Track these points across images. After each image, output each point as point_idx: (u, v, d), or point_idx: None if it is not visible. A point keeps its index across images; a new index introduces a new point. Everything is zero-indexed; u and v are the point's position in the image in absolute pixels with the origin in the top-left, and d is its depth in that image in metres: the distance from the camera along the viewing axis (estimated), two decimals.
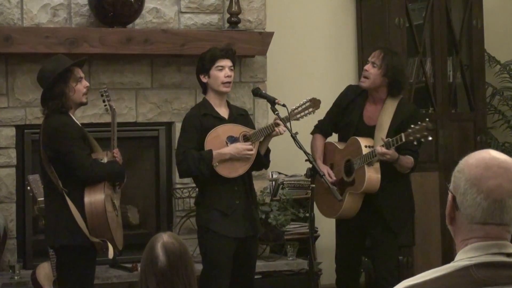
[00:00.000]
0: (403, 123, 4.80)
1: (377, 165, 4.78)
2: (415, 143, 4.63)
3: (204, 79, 4.71)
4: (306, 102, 4.72)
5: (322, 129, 5.08)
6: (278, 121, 4.62)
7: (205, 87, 4.77)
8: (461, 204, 1.86)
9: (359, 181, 4.79)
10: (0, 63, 5.64)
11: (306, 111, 4.72)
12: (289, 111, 4.66)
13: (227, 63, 4.70)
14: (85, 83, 4.53)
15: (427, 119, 4.67)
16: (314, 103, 4.73)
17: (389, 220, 4.85)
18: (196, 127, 4.66)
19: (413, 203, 5.08)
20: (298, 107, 4.71)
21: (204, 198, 4.72)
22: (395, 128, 4.78)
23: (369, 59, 4.91)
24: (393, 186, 4.86)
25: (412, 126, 4.61)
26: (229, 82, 4.71)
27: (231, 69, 4.72)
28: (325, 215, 5.08)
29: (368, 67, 4.89)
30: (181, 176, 4.87)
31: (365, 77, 4.88)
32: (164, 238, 2.67)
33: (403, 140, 4.61)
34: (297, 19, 6.74)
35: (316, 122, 5.12)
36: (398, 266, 5.81)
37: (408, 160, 4.80)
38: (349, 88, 5.11)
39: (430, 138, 4.60)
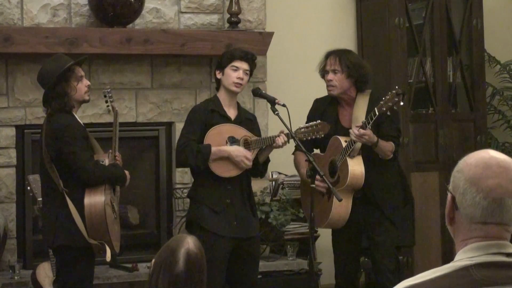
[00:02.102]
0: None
1: (360, 158, 4.77)
2: (388, 113, 4.63)
3: (219, 75, 4.75)
4: (315, 124, 4.70)
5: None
6: (282, 134, 4.63)
7: (218, 84, 4.79)
8: (461, 204, 1.86)
9: (343, 175, 4.77)
10: (0, 63, 5.64)
11: (312, 135, 4.68)
12: (297, 129, 4.65)
13: (243, 65, 4.72)
14: (86, 81, 4.53)
15: (396, 87, 4.71)
16: (323, 127, 4.70)
17: (385, 209, 4.83)
18: (202, 120, 4.69)
19: (408, 195, 5.06)
20: (306, 127, 4.70)
21: (196, 192, 4.75)
22: (376, 121, 4.77)
23: (327, 68, 4.88)
24: (384, 178, 4.86)
25: (383, 98, 4.63)
26: (240, 84, 4.73)
27: (246, 73, 4.74)
28: (317, 226, 5.02)
29: (330, 76, 4.86)
30: (177, 166, 4.90)
31: (332, 86, 4.88)
32: (189, 245, 2.65)
33: (377, 113, 4.60)
34: (297, 19, 6.74)
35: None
36: (398, 266, 5.80)
37: (388, 144, 4.79)
38: (317, 102, 5.05)
39: (402, 103, 4.63)
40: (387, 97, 4.61)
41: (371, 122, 4.63)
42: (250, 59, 4.77)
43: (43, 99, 4.51)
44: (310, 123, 4.73)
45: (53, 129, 4.41)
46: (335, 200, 4.67)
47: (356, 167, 4.75)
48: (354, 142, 4.68)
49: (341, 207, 4.77)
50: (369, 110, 4.80)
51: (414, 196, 6.35)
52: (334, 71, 4.85)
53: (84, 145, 4.45)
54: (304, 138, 4.70)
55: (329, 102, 4.98)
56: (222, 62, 4.75)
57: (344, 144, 4.76)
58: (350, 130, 4.69)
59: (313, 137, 4.71)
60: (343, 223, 4.83)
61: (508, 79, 7.31)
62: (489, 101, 7.21)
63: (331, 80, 4.86)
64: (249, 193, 4.81)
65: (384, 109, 4.60)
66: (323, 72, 4.93)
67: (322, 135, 4.72)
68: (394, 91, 4.61)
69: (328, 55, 4.93)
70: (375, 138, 4.69)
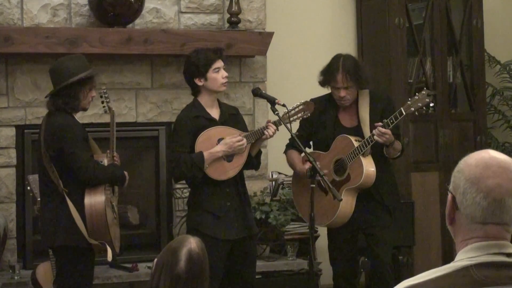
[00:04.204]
0: (385, 112, 4.83)
1: (371, 157, 4.78)
2: (416, 113, 4.67)
3: (200, 82, 4.67)
4: (299, 105, 4.72)
5: (294, 145, 4.90)
6: (270, 124, 4.63)
7: (197, 90, 4.74)
8: (461, 204, 1.86)
9: (356, 173, 4.77)
10: (0, 63, 5.64)
11: (299, 114, 4.71)
12: (283, 114, 4.65)
13: (221, 63, 4.71)
14: (94, 92, 4.55)
15: (425, 88, 4.71)
16: (308, 106, 4.72)
17: (389, 205, 4.85)
18: (188, 130, 4.65)
19: (399, 193, 5.13)
20: (291, 110, 4.71)
21: (195, 199, 4.72)
22: (379, 119, 4.77)
23: (339, 86, 4.79)
24: (386, 176, 4.89)
25: (410, 98, 4.63)
26: (227, 81, 4.73)
27: (224, 68, 4.74)
28: (318, 224, 5.01)
29: (344, 92, 4.79)
30: (175, 181, 4.88)
31: (346, 100, 4.84)
32: (192, 245, 2.65)
33: (403, 113, 4.61)
34: (297, 19, 6.74)
35: (288, 141, 5.02)
36: (398, 266, 5.81)
37: (398, 142, 4.81)
38: (314, 102, 4.92)
39: (432, 104, 4.64)
40: (415, 97, 4.62)
41: (395, 122, 4.64)
42: (223, 54, 4.77)
43: (53, 93, 4.47)
44: (294, 106, 4.72)
45: (53, 128, 4.41)
46: (343, 198, 4.70)
47: (369, 166, 4.76)
48: (372, 142, 4.68)
49: (347, 205, 4.79)
50: (372, 109, 4.82)
51: (414, 196, 6.40)
52: (347, 88, 4.81)
53: (84, 146, 4.45)
54: (293, 121, 4.69)
55: (327, 101, 4.97)
56: (199, 69, 4.64)
57: (356, 144, 4.76)
58: (375, 130, 4.66)
59: (301, 118, 4.72)
60: (346, 221, 4.83)
61: (508, 79, 7.31)
62: (489, 101, 7.21)
63: (345, 96, 4.82)
64: (245, 192, 4.81)
65: (413, 109, 4.61)
66: (327, 85, 4.87)
67: (309, 114, 4.72)
68: (424, 92, 4.61)
69: (335, 72, 4.81)
70: (392, 138, 4.70)
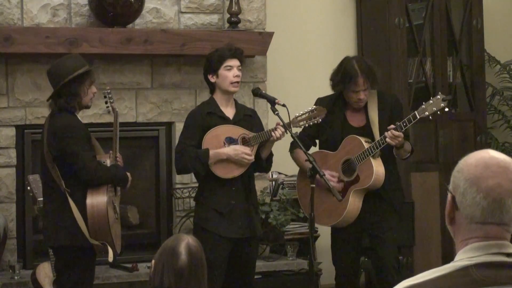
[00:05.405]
0: (393, 112, 4.84)
1: (380, 159, 4.78)
2: (430, 118, 4.68)
3: (212, 79, 4.70)
4: (311, 110, 4.69)
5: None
6: (278, 126, 4.61)
7: (212, 87, 4.76)
8: (461, 204, 1.86)
9: (365, 175, 4.76)
10: (0, 63, 5.64)
11: (310, 121, 4.67)
12: (292, 118, 4.63)
13: (235, 62, 4.70)
14: (93, 88, 4.54)
15: (439, 92, 4.71)
16: (319, 112, 4.69)
17: (396, 205, 4.85)
18: (198, 125, 4.67)
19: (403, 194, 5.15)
20: (302, 114, 4.69)
21: (202, 196, 4.74)
22: (388, 119, 4.78)
23: (359, 89, 4.77)
24: (393, 176, 4.90)
25: (424, 102, 4.64)
26: (238, 82, 4.72)
27: (239, 69, 4.73)
28: (324, 224, 5.02)
29: (363, 94, 4.79)
30: (178, 173, 4.89)
31: (363, 101, 4.83)
32: (188, 239, 2.74)
33: (417, 117, 4.62)
34: (297, 19, 6.74)
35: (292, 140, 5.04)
36: (398, 265, 5.80)
37: (408, 144, 4.81)
38: (321, 102, 4.94)
39: (447, 109, 4.67)
40: (430, 101, 4.62)
41: (408, 125, 4.64)
42: (239, 54, 4.76)
43: (53, 94, 4.47)
44: (305, 110, 4.70)
45: (55, 128, 4.41)
46: (351, 199, 4.69)
47: (379, 168, 4.76)
48: (383, 144, 4.67)
49: (354, 206, 4.79)
50: (380, 108, 4.83)
51: (414, 196, 6.40)
52: (365, 90, 4.80)
53: (87, 146, 4.45)
54: (303, 126, 4.68)
55: (334, 102, 4.94)
56: (212, 65, 4.68)
57: (366, 145, 4.76)
58: (387, 133, 4.65)
59: (311, 123, 4.69)
60: (352, 221, 4.83)
61: (508, 79, 7.31)
62: (489, 101, 7.21)
63: (364, 98, 4.81)
64: (252, 192, 4.80)
65: (427, 113, 4.61)
66: (345, 89, 4.85)
67: (320, 120, 4.70)
68: (439, 96, 4.63)
69: (355, 76, 4.76)
70: (403, 140, 4.70)
